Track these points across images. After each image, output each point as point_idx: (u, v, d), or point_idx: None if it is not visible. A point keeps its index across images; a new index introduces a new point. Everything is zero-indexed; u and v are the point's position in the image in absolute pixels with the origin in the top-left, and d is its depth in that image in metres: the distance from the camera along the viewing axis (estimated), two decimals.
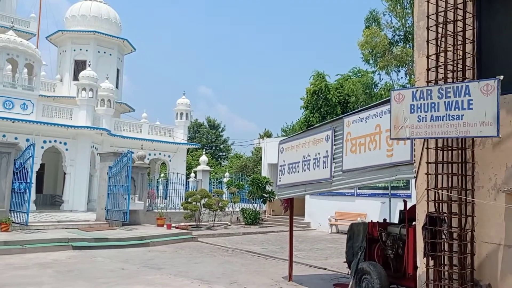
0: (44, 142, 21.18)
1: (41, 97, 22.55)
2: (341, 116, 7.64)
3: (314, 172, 7.97)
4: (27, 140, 20.04)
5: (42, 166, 22.23)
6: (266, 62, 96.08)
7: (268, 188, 23.01)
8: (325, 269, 10.99)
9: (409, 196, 16.24)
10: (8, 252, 11.45)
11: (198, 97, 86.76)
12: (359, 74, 32.08)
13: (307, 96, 31.54)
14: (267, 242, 16.14)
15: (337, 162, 7.32)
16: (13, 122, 19.80)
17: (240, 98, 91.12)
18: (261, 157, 30.66)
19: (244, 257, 12.73)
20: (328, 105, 30.36)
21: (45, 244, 12.35)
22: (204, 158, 25.83)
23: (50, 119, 21.35)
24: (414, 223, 6.28)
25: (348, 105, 30.28)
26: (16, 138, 19.53)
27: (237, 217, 22.06)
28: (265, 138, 32.33)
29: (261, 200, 23.02)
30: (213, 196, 20.48)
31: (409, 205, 7.63)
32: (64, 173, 22.56)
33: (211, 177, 27.99)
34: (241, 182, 24.70)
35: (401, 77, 29.86)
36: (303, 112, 32.82)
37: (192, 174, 28.84)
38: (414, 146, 5.76)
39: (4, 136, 19.43)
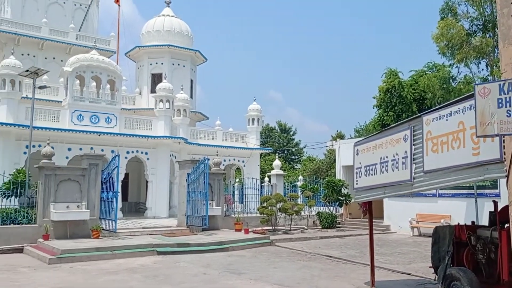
0: (127, 152, 22.45)
1: (123, 111, 23.92)
2: (419, 114, 7.31)
3: (393, 174, 7.70)
4: (112, 151, 21.34)
5: (126, 175, 23.54)
6: (335, 63, 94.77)
7: (344, 190, 22.60)
8: (409, 274, 10.56)
9: (498, 195, 15.16)
10: (100, 258, 12.26)
11: (268, 102, 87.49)
12: (434, 69, 30.58)
13: (380, 94, 30.61)
14: (345, 246, 15.84)
15: (417, 163, 7.02)
16: (99, 135, 21.22)
17: (310, 100, 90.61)
18: (334, 159, 30.20)
19: (323, 261, 12.59)
20: (402, 103, 29.23)
21: (132, 250, 13.07)
22: (277, 162, 25.96)
23: (131, 130, 22.61)
24: (507, 225, 5.85)
25: (425, 101, 28.95)
26: (102, 150, 20.88)
27: (313, 221, 21.89)
28: (338, 139, 31.82)
29: (337, 203, 22.66)
30: (288, 200, 20.49)
31: (500, 206, 7.12)
32: (147, 181, 23.73)
33: (285, 181, 28.05)
34: (315, 186, 24.48)
35: (482, 69, 28.08)
36: (376, 111, 31.89)
37: (266, 179, 29.08)
38: (504, 143, 5.37)
39: (91, 148, 20.83)
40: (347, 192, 22.57)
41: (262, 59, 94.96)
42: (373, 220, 10.28)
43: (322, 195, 23.33)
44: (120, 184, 18.84)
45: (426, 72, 30.51)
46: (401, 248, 15.41)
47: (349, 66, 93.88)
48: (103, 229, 14.96)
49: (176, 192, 21.71)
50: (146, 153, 23.17)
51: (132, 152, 22.73)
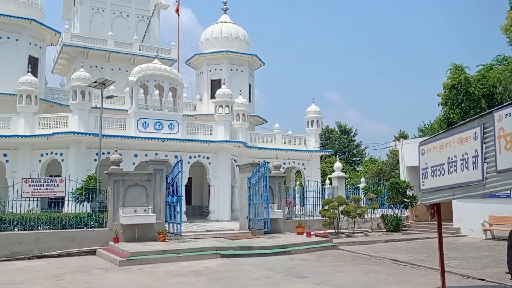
0: (190, 157, 23.06)
1: (185, 117, 24.61)
2: (490, 110, 6.88)
3: (463, 174, 7.29)
4: (175, 156, 22.01)
5: (190, 179, 24.17)
6: (395, 60, 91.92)
7: (409, 192, 21.80)
8: (483, 280, 9.96)
9: None
10: (167, 260, 12.65)
11: (327, 103, 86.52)
12: (505, 62, 28.78)
13: (445, 91, 29.26)
14: (412, 250, 15.26)
15: (489, 162, 6.60)
16: (163, 141, 21.97)
17: (369, 100, 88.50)
18: (398, 160, 29.24)
19: (389, 266, 12.19)
20: (470, 99, 27.76)
21: (196, 252, 13.36)
22: (338, 164, 25.54)
23: (193, 136, 23.21)
24: None
25: (495, 96, 27.31)
26: (166, 156, 21.59)
27: (378, 224, 21.30)
28: (401, 140, 30.78)
29: (402, 205, 21.90)
30: (351, 202, 20.09)
31: None
32: (209, 185, 24.24)
33: (347, 183, 27.54)
34: (379, 187, 23.81)
35: None
36: (441, 109, 30.52)
37: (327, 181, 28.68)
38: None
39: (156, 154, 21.60)
40: (413, 194, 21.76)
41: (319, 60, 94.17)
42: (442, 223, 9.82)
43: (386, 197, 22.65)
44: (183, 188, 19.35)
45: (495, 66, 28.79)
46: (473, 252, 14.59)
47: (410, 63, 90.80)
48: (169, 232, 15.43)
49: (238, 195, 21.98)
50: (208, 158, 23.66)
51: (194, 157, 23.32)
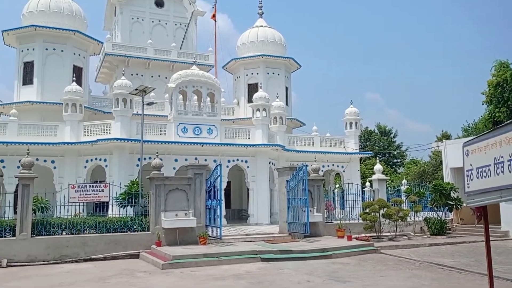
0: (228, 161, 23.25)
1: (223, 121, 24.86)
2: None
3: (510, 176, 7.03)
4: (214, 160, 22.27)
5: (228, 183, 24.36)
6: (434, 59, 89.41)
7: (453, 194, 21.13)
8: None
9: None
10: (208, 264, 12.81)
11: (366, 103, 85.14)
12: None
13: (490, 89, 28.26)
14: (458, 254, 14.77)
15: None
16: (202, 146, 22.28)
17: (409, 100, 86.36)
18: (441, 161, 28.43)
19: (434, 270, 11.85)
20: None
21: (237, 256, 13.46)
22: (378, 166, 25.07)
23: (231, 140, 23.41)
24: None
25: None
26: (205, 160, 21.87)
27: (421, 227, 20.75)
28: (443, 140, 29.88)
29: (446, 208, 21.24)
30: (392, 205, 19.67)
31: None
32: (248, 189, 24.36)
33: (388, 185, 27.00)
34: (421, 190, 23.20)
35: None
36: (486, 107, 29.51)
37: (367, 184, 28.20)
38: None
39: (196, 158, 21.88)
40: (457, 196, 21.08)
41: (357, 60, 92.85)
42: (489, 226, 9.46)
43: (429, 199, 22.06)
44: (223, 192, 19.57)
45: None
46: None
47: (452, 59, 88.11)
48: (209, 236, 15.62)
49: (277, 199, 21.96)
50: (246, 161, 23.79)
51: (233, 160, 23.50)
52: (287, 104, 30.50)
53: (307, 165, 17.94)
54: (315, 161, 20.57)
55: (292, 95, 33.03)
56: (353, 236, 17.09)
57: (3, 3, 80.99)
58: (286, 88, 31.48)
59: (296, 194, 17.43)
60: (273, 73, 30.90)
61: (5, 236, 13.83)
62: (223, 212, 20.29)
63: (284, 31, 48.23)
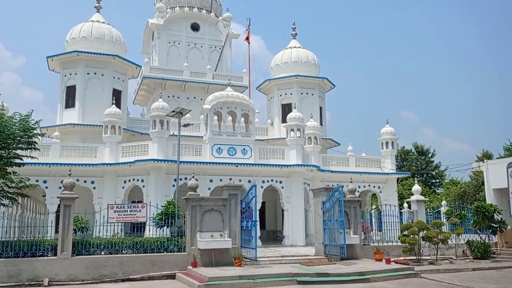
0: (263, 182, 23.24)
1: (257, 142, 24.98)
2: None
3: None
4: (249, 181, 22.31)
5: (263, 204, 24.31)
6: (471, 75, 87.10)
7: (497, 217, 20.29)
8: None
9: None
10: (243, 286, 12.73)
11: (401, 122, 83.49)
12: None
13: None
14: (504, 280, 14.11)
15: None
16: (236, 166, 22.41)
17: (446, 118, 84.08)
18: (482, 182, 27.45)
19: None
20: None
21: (272, 278, 13.30)
22: (417, 187, 24.40)
23: (266, 160, 23.44)
24: None
25: None
26: (240, 180, 21.95)
27: (463, 251, 19.96)
28: (485, 160, 28.88)
29: (490, 231, 20.39)
30: (432, 227, 19.05)
31: None
32: (282, 210, 24.20)
33: (426, 206, 26.21)
34: (462, 212, 22.39)
35: None
36: None
37: (405, 205, 27.49)
38: None
39: (230, 179, 22.02)
40: (501, 218, 20.24)
41: (391, 78, 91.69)
42: None
43: (471, 222, 21.25)
44: (257, 212, 19.52)
45: None
46: None
47: (490, 76, 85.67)
48: (245, 257, 15.54)
49: (312, 220, 21.71)
50: (281, 182, 23.72)
51: (267, 181, 23.48)
52: (321, 124, 30.38)
53: (342, 186, 17.71)
54: (351, 181, 20.26)
55: (326, 115, 32.92)
56: (391, 259, 16.60)
57: (48, 31, 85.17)
58: (320, 108, 31.41)
59: (332, 216, 17.16)
60: (307, 93, 30.94)
61: (47, 255, 14.20)
62: (258, 233, 20.21)
63: (318, 51, 48.39)
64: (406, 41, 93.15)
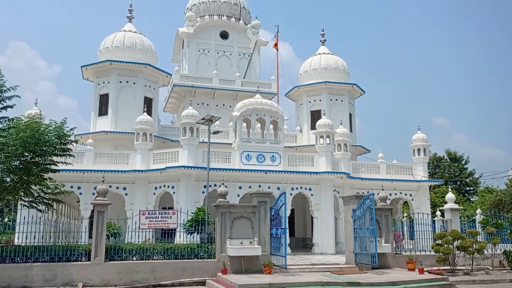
0: (292, 189, 23.15)
1: (286, 148, 24.94)
2: None
3: None
4: (278, 188, 22.27)
5: (292, 211, 24.17)
6: (504, 78, 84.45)
7: None
8: None
9: None
10: None
11: (433, 129, 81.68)
12: None
13: None
14: None
15: None
16: (265, 173, 22.41)
17: (480, 123, 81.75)
18: None
19: None
20: None
21: (303, 287, 13.18)
22: (451, 195, 23.77)
23: (295, 167, 23.35)
24: None
25: None
26: (269, 187, 21.92)
27: (500, 261, 19.30)
28: None
29: None
30: (467, 237, 18.52)
31: None
32: (312, 217, 24.02)
33: (460, 215, 25.52)
34: (499, 220, 21.68)
35: None
36: None
37: (438, 213, 26.85)
38: None
39: (259, 186, 22.03)
40: None
41: (421, 84, 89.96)
42: None
43: (508, 231, 20.56)
44: (287, 220, 19.43)
45: None
46: None
47: None
48: (274, 265, 15.47)
49: (342, 228, 21.45)
50: (310, 189, 23.56)
51: (296, 188, 23.37)
52: (351, 130, 30.08)
53: (373, 194, 17.47)
54: (382, 189, 19.94)
55: (356, 122, 32.59)
56: (425, 269, 16.22)
57: (82, 41, 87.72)
58: (350, 115, 31.11)
59: (363, 224, 16.92)
60: (336, 100, 30.72)
61: (81, 260, 14.54)
62: (287, 241, 20.10)
63: (347, 57, 47.96)
64: (436, 45, 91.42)
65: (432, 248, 18.14)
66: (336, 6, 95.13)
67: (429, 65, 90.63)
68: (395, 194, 26.19)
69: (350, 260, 17.46)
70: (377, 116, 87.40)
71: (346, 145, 25.67)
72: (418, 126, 27.52)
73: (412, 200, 26.47)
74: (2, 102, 15.44)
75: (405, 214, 27.35)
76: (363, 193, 19.46)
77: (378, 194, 19.32)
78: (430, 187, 29.65)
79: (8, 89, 15.31)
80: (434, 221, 22.69)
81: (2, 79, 15.37)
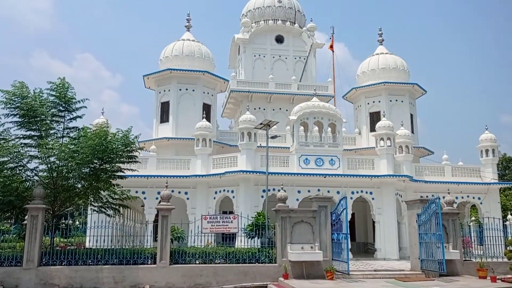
0: (352, 193, 22.73)
1: (345, 152, 24.52)
2: None
3: None
4: (338, 192, 21.95)
5: (352, 215, 23.71)
6: None
7: None
8: None
9: None
10: None
11: (502, 128, 77.26)
12: None
13: None
14: None
15: None
16: (324, 177, 22.16)
17: None
18: None
19: None
20: None
21: None
22: None
23: (354, 171, 22.92)
24: None
25: None
26: (328, 191, 21.67)
27: None
28: None
29: None
30: None
31: None
32: (373, 221, 23.44)
33: None
34: None
35: None
36: None
37: (510, 217, 25.31)
38: None
39: (318, 190, 21.83)
40: None
41: (487, 81, 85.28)
42: None
43: None
44: (348, 224, 19.07)
45: None
46: None
47: None
48: (336, 271, 15.23)
49: (405, 232, 20.79)
50: (371, 193, 23.03)
51: (357, 192, 22.94)
52: (412, 132, 29.07)
53: (439, 197, 16.74)
54: (448, 192, 19.07)
55: (417, 122, 31.46)
56: (497, 277, 15.31)
57: (142, 51, 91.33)
58: (411, 115, 30.07)
59: (429, 229, 16.25)
60: (396, 101, 29.81)
61: (147, 263, 15.05)
62: (349, 246, 19.73)
63: (407, 56, 46.24)
64: (499, 38, 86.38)
65: (505, 255, 17.08)
66: (392, 3, 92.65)
67: (493, 61, 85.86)
68: (462, 197, 25.00)
69: (415, 266, 16.83)
70: (440, 116, 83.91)
71: (407, 147, 24.86)
72: (485, 126, 26.18)
73: (481, 203, 25.15)
74: (72, 113, 16.40)
75: (472, 218, 26.05)
76: (427, 196, 18.72)
77: (444, 197, 18.51)
78: (500, 190, 28.04)
79: (78, 101, 16.25)
80: (505, 225, 21.39)
81: (72, 91, 16.34)
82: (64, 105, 16.21)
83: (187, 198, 23.38)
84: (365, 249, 26.60)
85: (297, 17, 35.26)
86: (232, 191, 22.58)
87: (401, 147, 24.81)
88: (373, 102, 30.17)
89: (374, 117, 28.99)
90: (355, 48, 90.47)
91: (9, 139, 15.56)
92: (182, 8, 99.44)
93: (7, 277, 14.11)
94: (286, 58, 34.14)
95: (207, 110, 27.76)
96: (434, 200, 16.31)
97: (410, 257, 17.80)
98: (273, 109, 31.78)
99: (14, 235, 19.52)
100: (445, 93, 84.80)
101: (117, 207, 17.24)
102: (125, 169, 16.77)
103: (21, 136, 15.92)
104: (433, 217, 16.03)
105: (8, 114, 15.56)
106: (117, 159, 16.25)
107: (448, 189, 20.18)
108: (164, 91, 28.81)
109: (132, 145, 16.43)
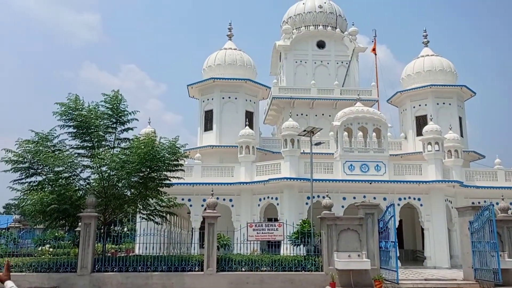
0: (399, 199, 22.18)
1: (390, 157, 23.98)
2: None
3: None
4: (384, 199, 21.48)
5: (400, 222, 23.20)
6: None
7: None
8: None
9: None
10: None
11: None
12: None
13: None
14: None
15: None
16: (370, 183, 21.76)
17: None
18: None
19: None
20: None
21: None
22: None
23: (401, 177, 22.37)
24: None
25: None
26: (374, 198, 21.25)
27: None
28: None
29: None
30: None
31: None
32: (422, 228, 22.77)
33: None
34: None
35: None
36: None
37: None
38: None
39: (364, 197, 21.45)
40: None
41: None
42: None
43: None
44: (396, 232, 18.61)
45: None
46: None
47: None
48: (385, 280, 14.88)
49: (456, 240, 20.05)
50: (419, 199, 22.40)
51: (404, 198, 22.38)
52: (461, 135, 28.06)
53: (492, 204, 16.04)
54: (502, 198, 18.25)
55: (467, 126, 30.35)
56: None
57: (184, 61, 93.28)
58: (460, 119, 29.05)
59: (482, 237, 15.59)
60: (444, 104, 28.90)
61: (194, 270, 15.25)
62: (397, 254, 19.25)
63: (454, 58, 44.79)
64: None
65: None
66: (435, 4, 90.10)
67: None
68: None
69: (468, 275, 16.17)
70: (492, 119, 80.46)
71: (457, 151, 24.03)
72: None
73: None
74: (125, 124, 16.91)
75: None
76: (479, 203, 18.02)
77: (497, 204, 17.72)
78: None
79: (129, 113, 16.76)
80: None
81: (125, 104, 16.85)
82: (116, 116, 16.73)
83: (232, 205, 23.59)
84: (413, 257, 25.85)
85: (339, 22, 34.97)
86: (276, 198, 22.58)
87: (450, 151, 24.03)
88: (419, 105, 29.38)
89: (421, 121, 28.22)
90: (398, 50, 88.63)
91: (64, 150, 16.25)
92: (224, 18, 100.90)
93: (63, 283, 14.69)
94: (328, 63, 33.90)
95: (249, 118, 27.96)
96: (488, 206, 15.65)
97: (462, 266, 17.14)
98: (316, 115, 31.60)
99: (69, 242, 20.33)
100: (497, 94, 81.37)
101: (164, 214, 17.61)
102: (171, 177, 17.12)
103: (75, 146, 16.59)
104: (487, 225, 15.38)
105: (64, 125, 16.22)
106: (165, 168, 16.62)
107: (502, 195, 19.30)
108: (208, 99, 29.27)
109: (179, 154, 16.77)
